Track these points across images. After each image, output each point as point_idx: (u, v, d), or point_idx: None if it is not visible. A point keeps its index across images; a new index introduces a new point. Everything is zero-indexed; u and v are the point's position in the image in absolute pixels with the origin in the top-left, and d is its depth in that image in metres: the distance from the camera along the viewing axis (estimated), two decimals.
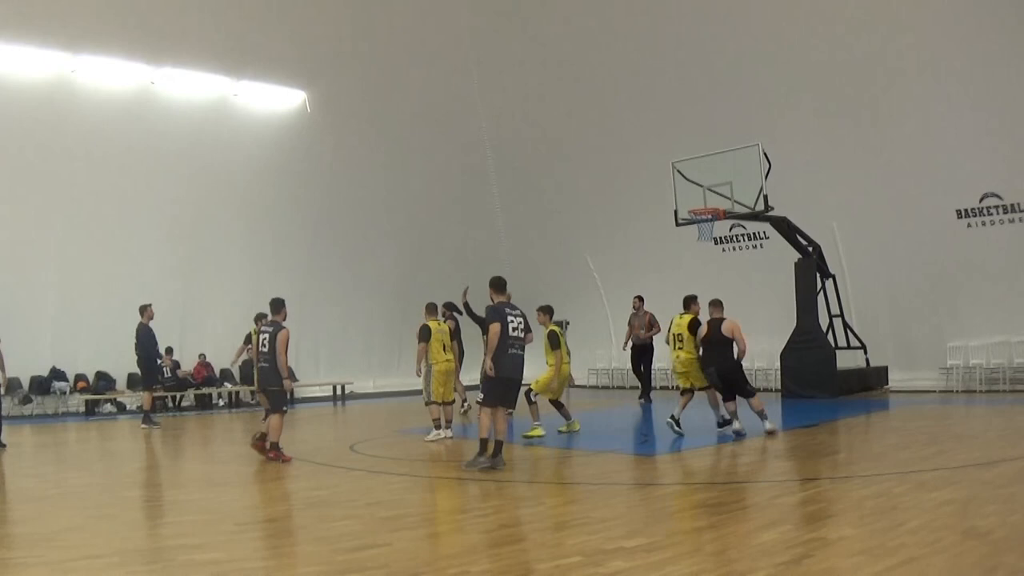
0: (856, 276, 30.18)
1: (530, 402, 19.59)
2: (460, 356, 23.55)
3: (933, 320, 28.89)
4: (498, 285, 15.99)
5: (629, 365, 30.22)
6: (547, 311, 20.05)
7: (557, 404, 20.27)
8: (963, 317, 28.21)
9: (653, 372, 30.13)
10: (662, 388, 32.64)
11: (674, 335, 19.73)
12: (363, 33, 34.73)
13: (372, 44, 35.07)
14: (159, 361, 27.35)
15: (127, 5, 29.78)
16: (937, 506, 10.70)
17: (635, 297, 28.80)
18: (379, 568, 8.87)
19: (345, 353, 36.33)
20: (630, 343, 28.95)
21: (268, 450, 17.11)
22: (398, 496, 13.24)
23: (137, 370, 26.91)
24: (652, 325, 28.37)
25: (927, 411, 23.34)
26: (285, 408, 17.82)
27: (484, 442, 15.20)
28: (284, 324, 17.44)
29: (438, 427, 20.13)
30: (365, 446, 19.05)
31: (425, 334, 20.42)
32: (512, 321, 15.34)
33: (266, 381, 17.58)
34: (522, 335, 15.52)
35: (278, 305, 18.02)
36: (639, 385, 29.49)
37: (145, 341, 25.47)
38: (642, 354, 29.06)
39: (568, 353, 20.02)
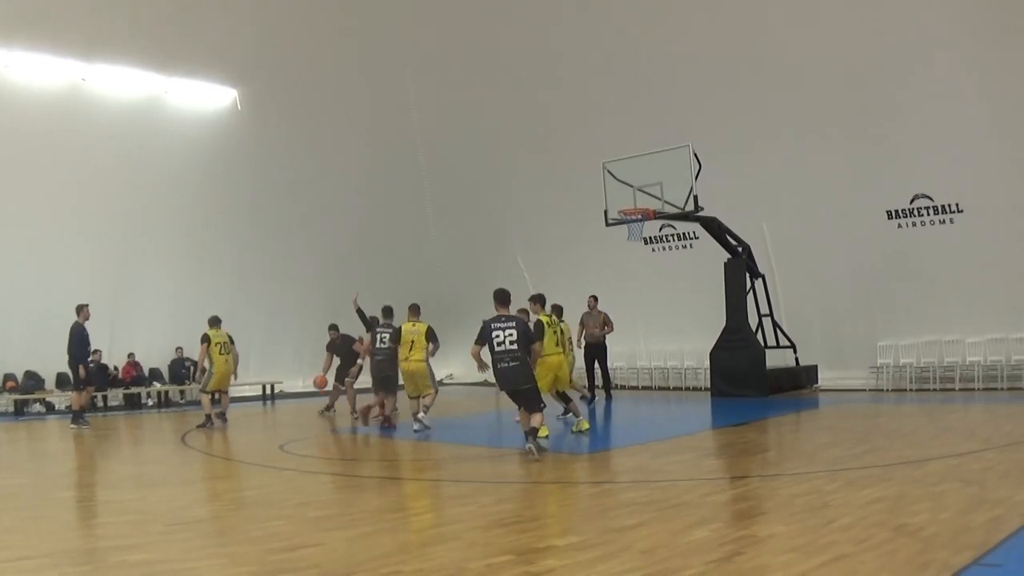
0: (786, 276, 30.33)
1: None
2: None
3: (863, 319, 29.08)
4: (497, 297, 16.61)
5: (582, 364, 30.29)
6: (537, 300, 20.48)
7: (562, 397, 20.40)
8: (893, 317, 28.42)
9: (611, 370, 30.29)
10: (620, 387, 32.87)
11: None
12: (295, 31, 34.58)
13: (304, 42, 34.94)
14: (89, 361, 27.08)
15: (60, 2, 29.54)
16: (867, 504, 10.75)
17: (590, 296, 28.87)
18: (311, 568, 8.83)
19: (275, 352, 36.03)
20: (583, 341, 29.02)
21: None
22: (329, 496, 13.25)
23: (66, 370, 26.70)
24: (606, 323, 28.49)
25: (857, 410, 23.46)
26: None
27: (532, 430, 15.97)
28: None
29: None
30: (295, 446, 18.99)
31: (395, 336, 21.62)
32: (497, 336, 15.85)
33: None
34: (514, 347, 15.83)
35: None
36: (585, 383, 29.60)
37: (76, 341, 25.21)
38: (597, 353, 29.12)
39: (560, 344, 20.06)
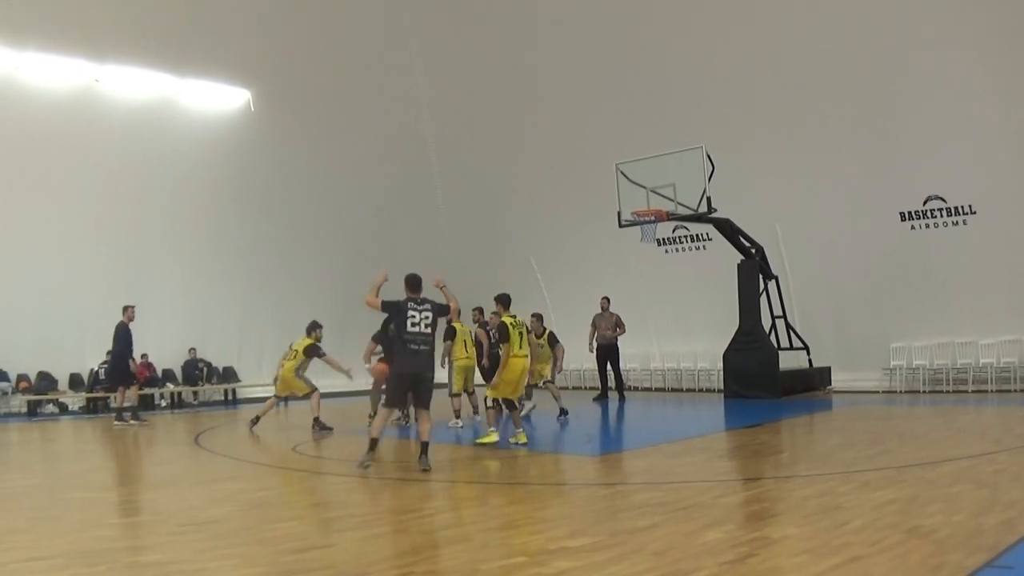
0: (799, 277, 30.28)
1: (487, 406, 18.87)
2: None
3: (876, 321, 29.01)
4: (408, 283, 16.12)
5: (594, 365, 30.23)
6: (500, 300, 19.29)
7: (509, 405, 19.09)
8: (906, 318, 28.35)
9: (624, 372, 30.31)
10: (632, 389, 32.87)
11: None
12: (308, 31, 34.61)
13: (316, 43, 34.99)
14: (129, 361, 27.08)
15: (69, 2, 29.59)
16: (881, 505, 10.73)
17: (603, 298, 28.90)
18: (323, 569, 8.82)
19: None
20: (595, 343, 29.00)
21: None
22: (342, 497, 13.23)
23: (79, 370, 26.73)
24: (619, 325, 28.51)
25: (870, 411, 23.41)
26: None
27: (373, 441, 15.20)
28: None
29: (457, 416, 21.90)
30: (308, 447, 19.00)
31: (450, 333, 21.62)
32: (412, 316, 15.24)
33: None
34: (428, 330, 15.24)
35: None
36: (599, 386, 29.57)
37: (122, 340, 25.60)
38: (609, 354, 29.15)
39: (524, 346, 18.61)
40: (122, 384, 25.98)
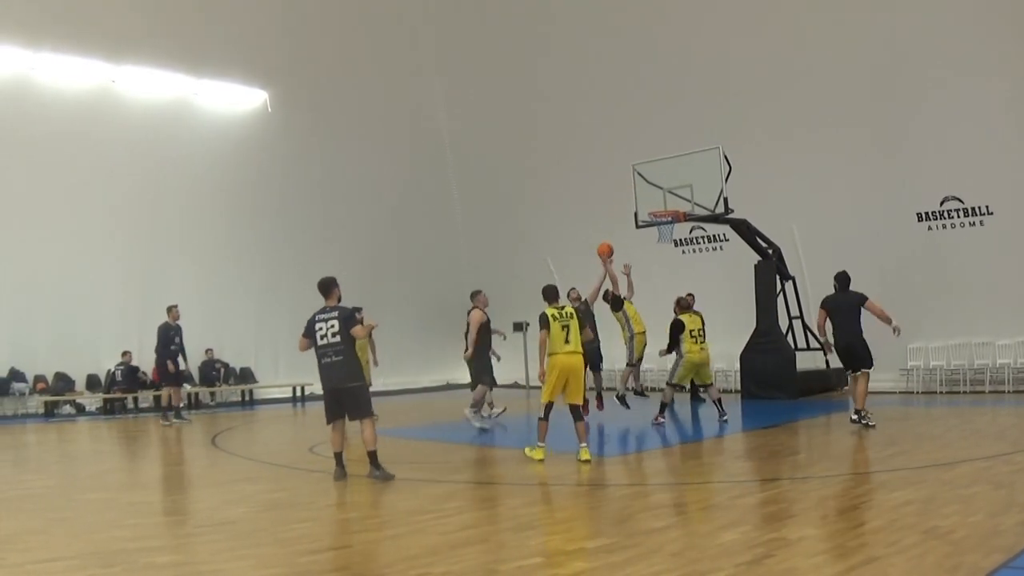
0: (816, 278, 30.12)
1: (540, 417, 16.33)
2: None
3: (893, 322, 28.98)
4: (320, 287, 15.66)
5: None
6: (544, 292, 17.10)
7: (573, 413, 16.34)
8: (923, 319, 28.24)
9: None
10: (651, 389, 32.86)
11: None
12: (324, 32, 34.69)
13: (333, 44, 35.06)
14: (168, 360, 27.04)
15: (86, 3, 29.66)
16: (898, 506, 10.72)
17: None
18: (339, 570, 8.86)
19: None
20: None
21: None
22: (358, 498, 13.25)
23: (97, 371, 26.81)
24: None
25: (887, 412, 23.31)
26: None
27: (337, 456, 14.97)
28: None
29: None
30: (325, 448, 18.94)
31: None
32: (320, 329, 14.98)
33: None
34: (335, 338, 14.84)
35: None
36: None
37: (161, 339, 25.95)
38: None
39: (571, 341, 16.21)
40: (165, 384, 26.36)
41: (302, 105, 35.44)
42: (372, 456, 14.61)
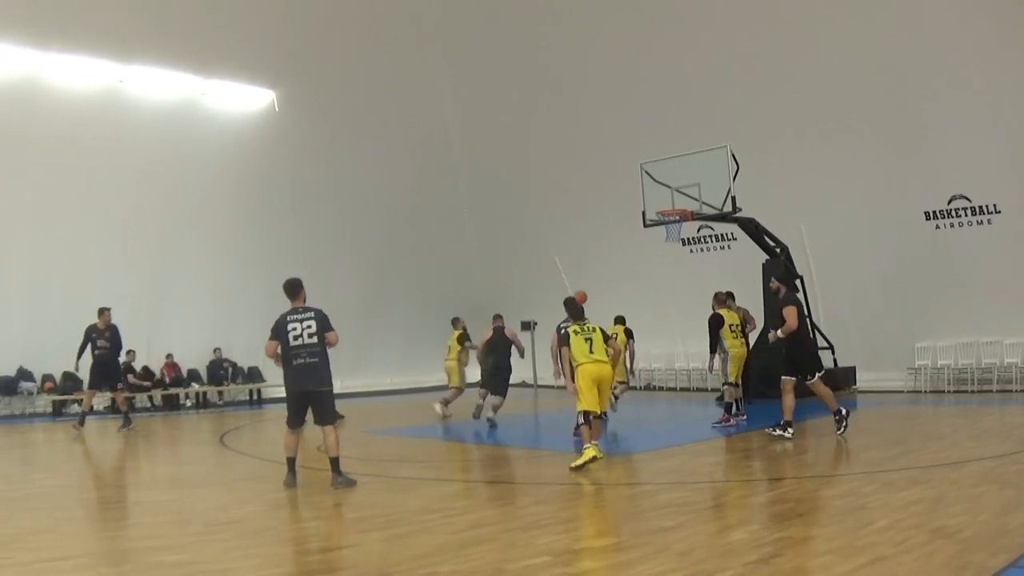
0: (824, 277, 30.18)
1: (578, 422, 16.21)
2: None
3: (901, 321, 28.92)
4: (286, 289, 14.97)
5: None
6: (565, 303, 17.31)
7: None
8: (931, 318, 28.26)
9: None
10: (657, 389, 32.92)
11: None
12: (332, 32, 34.67)
13: (341, 43, 35.05)
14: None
15: (94, 3, 29.68)
16: (905, 505, 10.73)
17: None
18: (347, 569, 8.87)
19: None
20: None
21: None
22: (366, 497, 13.20)
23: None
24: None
25: (895, 411, 23.36)
26: None
27: (290, 461, 14.45)
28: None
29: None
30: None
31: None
32: (293, 329, 14.30)
33: None
34: (312, 339, 14.26)
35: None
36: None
37: (84, 340, 24.84)
38: None
39: (595, 350, 16.04)
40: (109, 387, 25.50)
41: (310, 105, 35.46)
42: (335, 463, 14.27)
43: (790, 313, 18.25)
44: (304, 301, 14.74)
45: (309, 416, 14.38)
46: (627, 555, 9.02)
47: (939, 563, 8.23)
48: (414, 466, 16.44)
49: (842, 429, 18.10)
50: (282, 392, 25.74)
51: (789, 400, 18.44)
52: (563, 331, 16.18)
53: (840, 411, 18.22)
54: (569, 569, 8.60)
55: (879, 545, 8.87)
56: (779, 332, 18.30)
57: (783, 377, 18.67)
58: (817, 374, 18.66)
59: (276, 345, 14.39)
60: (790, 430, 17.91)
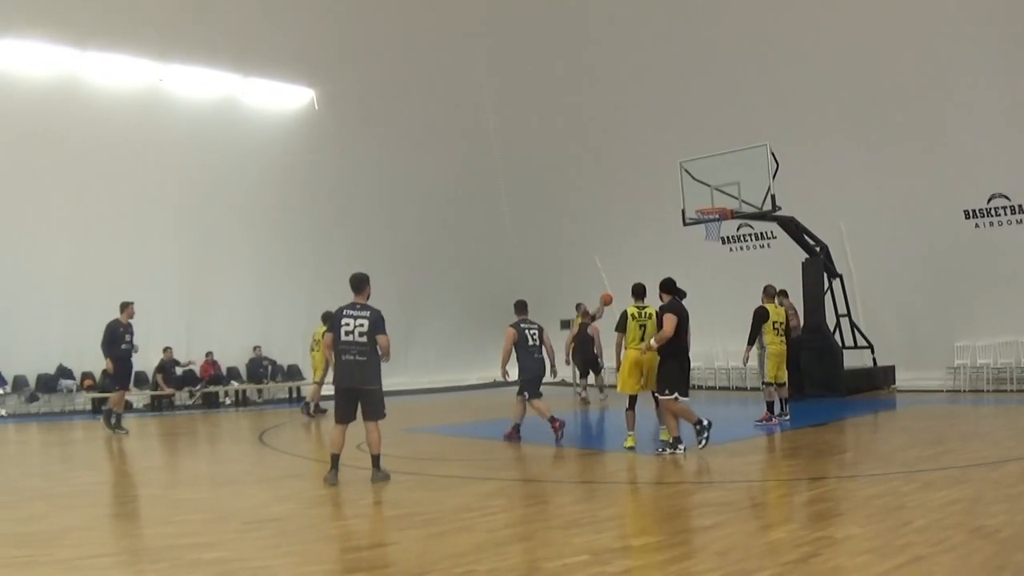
0: (863, 276, 30.10)
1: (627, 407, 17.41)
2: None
3: (940, 320, 28.80)
4: (351, 282, 15.21)
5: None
6: (633, 290, 17.79)
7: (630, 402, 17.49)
8: (970, 317, 28.15)
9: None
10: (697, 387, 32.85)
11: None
12: (372, 30, 34.68)
13: (380, 41, 35.06)
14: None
15: (133, 2, 29.78)
16: (944, 505, 10.70)
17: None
18: (385, 567, 8.88)
19: None
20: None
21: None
22: (404, 495, 13.25)
23: (140, 368, 26.57)
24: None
25: (934, 410, 23.30)
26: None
27: (334, 457, 14.37)
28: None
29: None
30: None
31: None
32: (346, 324, 14.41)
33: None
34: (362, 338, 14.32)
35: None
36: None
37: (107, 338, 23.78)
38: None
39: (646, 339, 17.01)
40: (117, 386, 24.15)
41: (349, 103, 35.44)
42: (376, 459, 14.46)
43: (668, 320, 17.19)
44: (367, 298, 14.86)
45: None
46: (665, 554, 9.01)
47: (978, 563, 8.20)
48: (453, 464, 16.46)
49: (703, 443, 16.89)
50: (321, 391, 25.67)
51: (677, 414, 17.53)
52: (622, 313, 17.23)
53: (701, 421, 17.30)
54: (607, 568, 8.58)
55: (917, 545, 8.85)
56: (652, 342, 17.29)
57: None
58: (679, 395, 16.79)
59: (332, 338, 14.50)
60: (681, 446, 17.11)
